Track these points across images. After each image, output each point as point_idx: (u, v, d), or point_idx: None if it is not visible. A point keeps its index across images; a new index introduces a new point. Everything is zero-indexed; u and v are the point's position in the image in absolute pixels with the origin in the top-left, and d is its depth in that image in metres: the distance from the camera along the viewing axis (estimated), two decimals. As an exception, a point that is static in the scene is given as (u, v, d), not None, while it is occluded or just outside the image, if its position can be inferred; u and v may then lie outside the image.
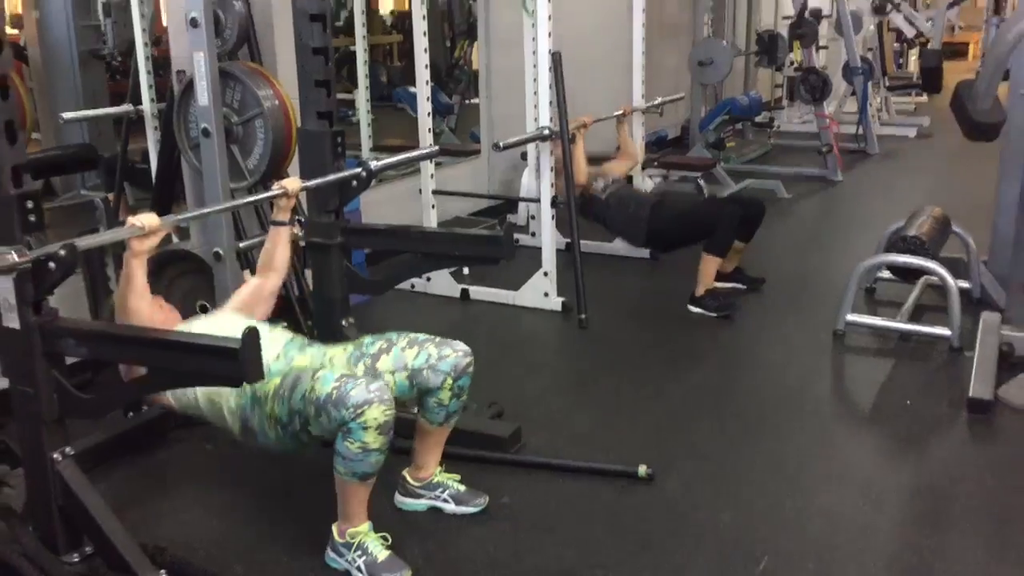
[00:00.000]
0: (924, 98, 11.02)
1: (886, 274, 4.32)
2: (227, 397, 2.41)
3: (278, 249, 2.83)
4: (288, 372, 2.39)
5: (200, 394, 2.45)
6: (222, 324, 2.51)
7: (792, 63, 8.73)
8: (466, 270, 4.84)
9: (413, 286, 4.68)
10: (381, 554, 2.36)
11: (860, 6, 8.98)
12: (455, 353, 2.53)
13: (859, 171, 7.83)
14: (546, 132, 4.27)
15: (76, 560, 2.32)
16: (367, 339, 2.62)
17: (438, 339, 2.57)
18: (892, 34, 10.98)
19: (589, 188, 4.78)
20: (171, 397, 2.51)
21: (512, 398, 3.33)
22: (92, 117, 5.17)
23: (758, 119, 8.87)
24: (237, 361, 1.92)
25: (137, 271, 2.37)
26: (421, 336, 2.57)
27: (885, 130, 9.46)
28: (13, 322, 2.14)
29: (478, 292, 4.61)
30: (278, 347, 2.56)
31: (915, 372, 3.71)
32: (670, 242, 4.73)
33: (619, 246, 5.27)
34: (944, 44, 11.44)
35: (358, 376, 2.30)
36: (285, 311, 3.38)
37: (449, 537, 2.57)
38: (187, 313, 2.86)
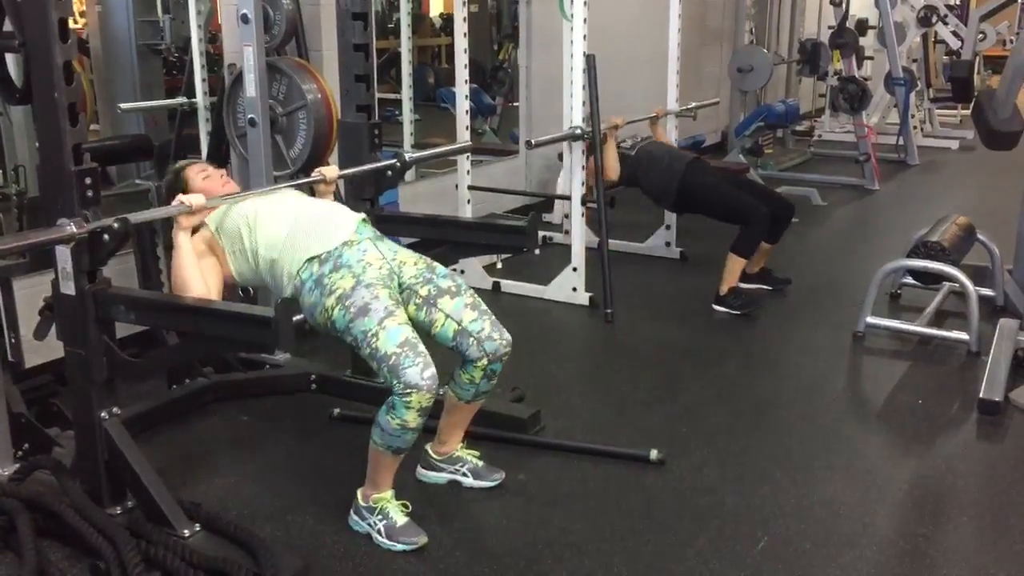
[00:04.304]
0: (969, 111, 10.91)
1: (913, 280, 4.37)
2: (290, 264, 2.60)
3: None
4: (360, 276, 2.52)
5: (262, 261, 2.64)
6: (278, 200, 2.77)
7: (834, 72, 8.74)
8: (499, 264, 4.99)
9: (447, 278, 4.81)
10: (400, 519, 2.50)
11: (906, 17, 8.97)
12: (500, 340, 2.61)
13: (897, 181, 7.84)
14: (577, 132, 4.40)
15: (119, 512, 2.48)
16: (440, 269, 2.72)
17: (494, 319, 2.64)
18: (943, 47, 10.88)
19: (617, 148, 4.77)
20: (235, 274, 2.73)
21: (535, 384, 3.46)
22: (148, 108, 5.43)
23: (799, 128, 8.89)
24: (270, 329, 2.09)
25: (184, 243, 2.57)
26: (483, 305, 2.66)
27: (927, 142, 9.42)
28: (69, 288, 2.32)
29: (509, 285, 4.74)
30: (350, 228, 2.68)
31: (930, 374, 3.76)
32: (696, 207, 4.71)
33: (649, 245, 5.38)
34: (993, 57, 11.35)
35: (419, 349, 2.37)
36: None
37: (465, 508, 2.70)
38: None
